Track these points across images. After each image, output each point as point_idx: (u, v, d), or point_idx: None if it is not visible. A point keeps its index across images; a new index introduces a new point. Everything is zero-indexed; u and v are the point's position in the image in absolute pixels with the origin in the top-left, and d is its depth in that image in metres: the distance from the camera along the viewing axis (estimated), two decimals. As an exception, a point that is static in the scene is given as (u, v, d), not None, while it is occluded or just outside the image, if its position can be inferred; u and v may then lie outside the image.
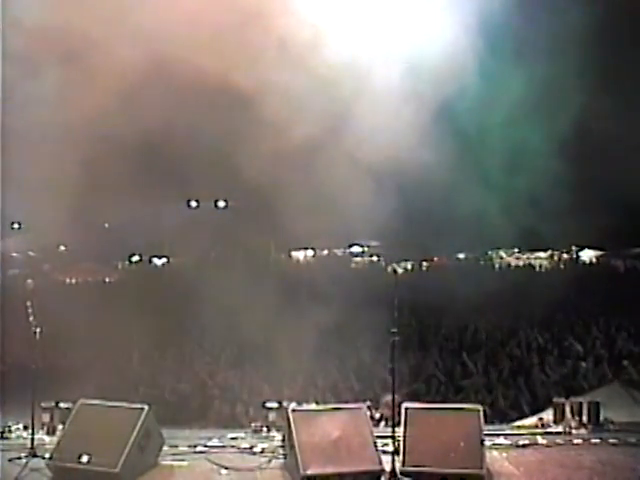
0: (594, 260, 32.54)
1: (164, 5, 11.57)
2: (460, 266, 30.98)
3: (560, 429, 9.10)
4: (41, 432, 8.65)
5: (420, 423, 7.96)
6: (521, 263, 32.83)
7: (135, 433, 7.71)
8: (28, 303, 8.18)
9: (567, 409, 9.28)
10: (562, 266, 31.56)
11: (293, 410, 8.02)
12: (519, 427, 9.54)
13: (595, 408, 9.26)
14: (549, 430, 9.13)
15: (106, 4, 11.50)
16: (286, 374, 14.47)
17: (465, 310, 19.53)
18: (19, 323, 8.40)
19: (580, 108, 14.34)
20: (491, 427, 9.00)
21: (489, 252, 32.53)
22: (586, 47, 13.82)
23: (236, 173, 14.11)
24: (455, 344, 18.13)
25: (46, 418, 8.88)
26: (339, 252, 33.16)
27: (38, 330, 8.08)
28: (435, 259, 32.49)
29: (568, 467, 7.96)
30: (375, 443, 7.82)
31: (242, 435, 8.99)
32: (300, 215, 13.48)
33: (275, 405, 9.13)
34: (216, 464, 8.08)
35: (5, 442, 8.58)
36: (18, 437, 8.72)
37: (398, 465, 7.68)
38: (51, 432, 8.78)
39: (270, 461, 8.17)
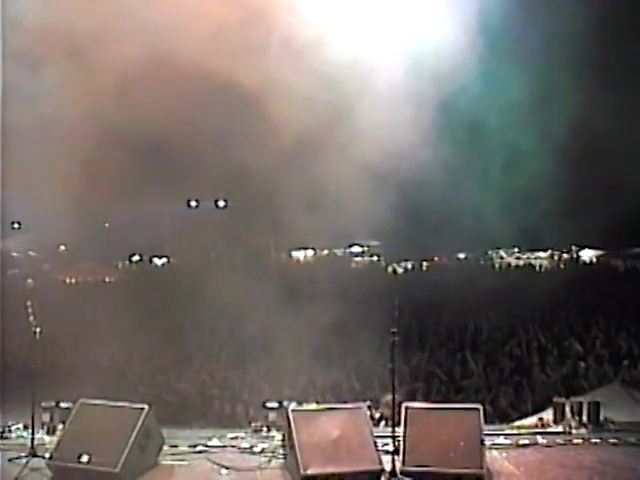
0: (594, 260, 32.56)
1: (166, 2, 11.57)
2: (460, 266, 31.00)
3: (560, 429, 9.09)
4: (41, 432, 8.64)
5: (420, 423, 7.96)
6: (521, 263, 32.86)
7: (135, 433, 7.71)
8: (28, 303, 8.17)
9: (567, 409, 9.27)
10: (562, 266, 31.58)
11: (293, 410, 8.02)
12: (519, 427, 9.54)
13: (595, 408, 9.25)
14: (549, 430, 9.12)
15: (108, 1, 11.49)
16: (286, 374, 14.48)
17: (465, 310, 19.54)
18: (19, 323, 8.39)
19: (580, 107, 14.34)
20: (491, 427, 9.00)
21: (489, 252, 32.56)
22: (586, 45, 13.82)
23: (237, 172, 14.12)
24: (455, 344, 18.13)
25: (46, 418, 8.87)
26: (339, 252, 33.18)
27: (38, 330, 8.07)
28: (435, 259, 32.52)
29: (568, 467, 7.96)
30: (375, 443, 7.82)
31: (242, 435, 8.98)
32: (300, 215, 13.49)
33: (275, 405, 9.12)
34: (216, 464, 8.07)
35: (5, 442, 8.57)
36: (18, 437, 8.71)
37: (398, 465, 7.67)
38: (51, 432, 8.78)
39: (270, 461, 8.17)
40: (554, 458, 8.25)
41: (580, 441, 8.76)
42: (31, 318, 8.10)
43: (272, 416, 9.08)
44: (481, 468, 7.62)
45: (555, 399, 9.64)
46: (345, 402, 9.90)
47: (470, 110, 13.69)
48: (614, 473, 7.84)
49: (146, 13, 11.25)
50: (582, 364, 16.22)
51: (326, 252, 32.42)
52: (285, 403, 8.84)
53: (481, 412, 8.01)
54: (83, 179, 12.26)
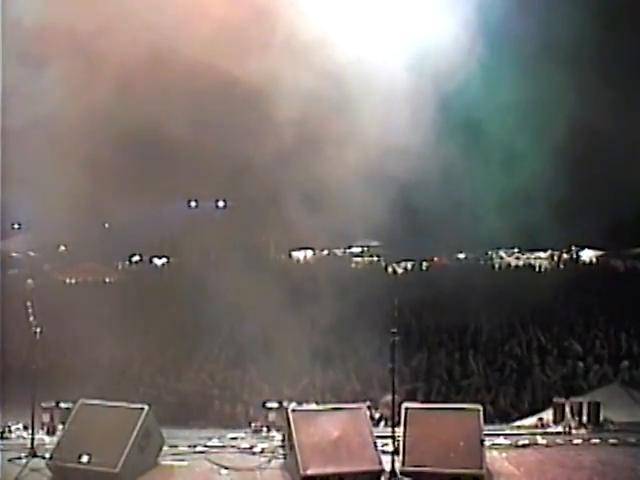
0: (594, 260, 32.55)
1: (168, 1, 11.56)
2: (460, 266, 30.99)
3: (560, 429, 9.10)
4: (41, 432, 8.64)
5: (420, 423, 7.96)
6: (521, 263, 32.84)
7: (135, 433, 7.71)
8: (28, 303, 8.17)
9: (567, 409, 9.28)
10: (562, 266, 31.56)
11: (293, 410, 8.02)
12: (519, 427, 9.55)
13: (595, 408, 9.25)
14: (549, 430, 9.12)
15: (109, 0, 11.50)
16: (286, 374, 14.47)
17: (465, 310, 19.53)
18: (19, 323, 8.39)
19: (580, 107, 14.34)
20: (491, 427, 9.00)
21: (489, 252, 32.55)
22: (586, 44, 13.83)
23: (237, 172, 14.12)
24: (455, 344, 18.12)
25: (46, 418, 8.87)
26: (339, 252, 33.16)
27: (38, 330, 8.08)
28: (435, 259, 32.50)
29: (568, 467, 7.96)
30: (375, 443, 7.82)
31: (242, 435, 8.98)
32: (300, 215, 13.49)
33: (275, 405, 9.12)
34: (216, 464, 8.07)
35: (5, 442, 8.57)
36: (18, 437, 8.71)
37: (398, 465, 7.67)
38: (51, 432, 8.78)
39: (270, 461, 8.17)
40: (554, 458, 8.25)
41: (580, 441, 8.77)
42: (31, 318, 8.10)
43: (272, 416, 9.08)
44: (481, 468, 7.62)
45: (555, 399, 9.65)
46: (345, 402, 9.90)
47: (470, 110, 13.70)
48: (614, 473, 7.84)
49: (148, 12, 11.25)
50: (582, 364, 16.22)
51: (326, 252, 32.40)
52: (285, 403, 8.84)
53: (481, 412, 8.01)
54: (83, 179, 12.25)
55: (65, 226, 15.28)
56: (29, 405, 8.13)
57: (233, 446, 8.63)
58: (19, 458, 7.88)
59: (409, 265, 30.33)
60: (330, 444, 7.69)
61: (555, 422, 9.26)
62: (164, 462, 8.13)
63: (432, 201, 13.94)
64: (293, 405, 8.36)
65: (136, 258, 32.63)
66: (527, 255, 33.25)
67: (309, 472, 7.49)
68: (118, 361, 16.67)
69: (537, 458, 8.29)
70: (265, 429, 9.07)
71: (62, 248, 27.21)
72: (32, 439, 8.04)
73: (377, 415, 10.29)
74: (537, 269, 31.06)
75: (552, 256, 32.60)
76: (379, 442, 7.91)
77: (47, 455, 7.78)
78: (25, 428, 8.72)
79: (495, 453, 8.35)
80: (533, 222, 17.43)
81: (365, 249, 33.95)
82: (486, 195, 14.94)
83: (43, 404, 8.81)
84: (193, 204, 27.73)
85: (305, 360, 14.44)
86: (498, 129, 14.04)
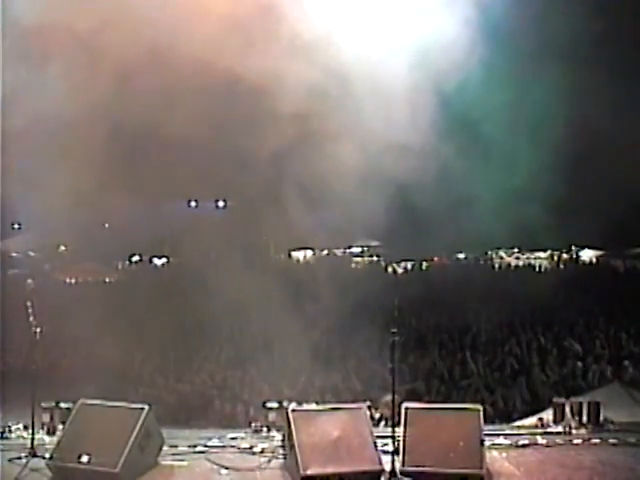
0: (594, 260, 32.56)
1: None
2: (460, 266, 31.01)
3: (560, 429, 9.09)
4: (41, 432, 8.63)
5: (420, 423, 7.95)
6: (521, 263, 32.86)
7: (135, 433, 7.70)
8: (28, 303, 8.17)
9: (567, 409, 9.27)
10: (562, 266, 31.57)
11: (293, 410, 8.01)
12: (519, 427, 9.55)
13: (595, 408, 9.25)
14: (549, 430, 9.12)
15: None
16: (286, 374, 14.47)
17: (465, 310, 19.55)
18: (19, 323, 8.39)
19: (580, 106, 14.34)
20: (491, 427, 9.00)
21: (489, 252, 32.57)
22: (586, 43, 13.83)
23: (237, 172, 14.11)
24: (455, 344, 18.14)
25: (46, 418, 8.86)
26: (339, 252, 33.16)
27: (38, 330, 8.07)
28: (435, 259, 32.51)
29: (568, 467, 7.95)
30: (375, 443, 7.81)
31: (242, 435, 8.97)
32: (300, 215, 13.49)
33: (275, 405, 9.12)
34: (216, 464, 8.07)
35: (5, 442, 8.56)
36: (18, 437, 8.70)
37: (398, 465, 7.67)
38: (51, 432, 8.77)
39: (270, 461, 8.16)
40: (554, 458, 8.25)
41: (580, 441, 8.76)
42: (31, 318, 8.10)
43: (272, 416, 9.08)
44: (481, 468, 7.61)
45: (555, 399, 9.64)
46: (345, 402, 9.90)
47: (470, 109, 13.70)
48: (614, 473, 7.83)
49: (149, 9, 11.23)
50: (582, 364, 16.22)
51: (326, 252, 32.40)
52: (285, 403, 8.84)
53: (481, 412, 8.01)
54: (83, 178, 12.25)
55: (65, 226, 15.26)
56: (29, 405, 8.13)
57: (233, 446, 8.62)
58: (19, 458, 7.87)
59: (409, 265, 30.33)
60: (330, 444, 7.69)
61: (555, 422, 9.25)
62: (164, 462, 8.13)
63: (432, 201, 13.93)
64: (293, 405, 8.35)
65: (136, 258, 32.63)
66: (527, 255, 33.27)
67: (309, 472, 7.48)
68: (118, 361, 16.67)
69: (537, 458, 8.28)
70: (265, 429, 9.07)
71: (62, 248, 27.24)
72: (32, 439, 8.03)
73: (377, 415, 10.29)
74: (537, 269, 31.07)
75: (552, 256, 32.62)
76: (379, 442, 7.90)
77: (47, 455, 7.77)
78: (25, 428, 8.71)
79: (495, 453, 8.35)
80: (533, 222, 17.45)
81: (365, 249, 33.96)
82: (486, 195, 14.93)
83: (43, 404, 8.80)
84: (193, 204, 27.73)
85: (305, 360, 14.44)
86: (498, 129, 14.04)
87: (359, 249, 34.00)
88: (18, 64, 11.24)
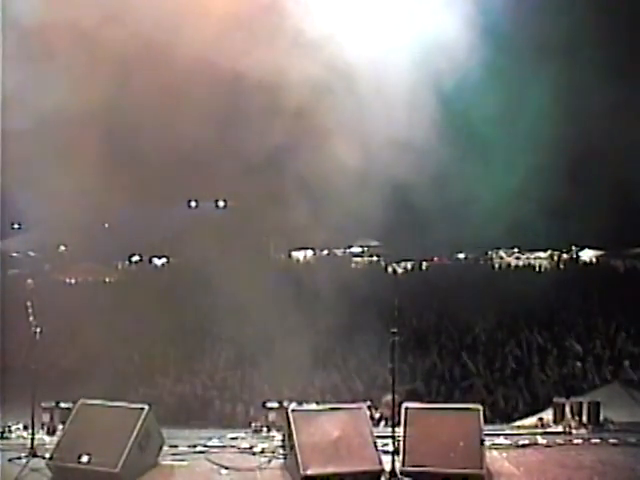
0: (594, 260, 32.53)
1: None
2: (460, 266, 31.00)
3: (560, 429, 9.09)
4: (41, 432, 8.64)
5: (420, 423, 7.95)
6: (521, 263, 32.82)
7: (135, 433, 7.70)
8: (28, 303, 8.17)
9: (567, 409, 9.27)
10: (562, 266, 31.54)
11: (293, 410, 8.01)
12: (519, 427, 9.55)
13: (595, 408, 9.25)
14: (549, 430, 9.12)
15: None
16: (286, 374, 14.47)
17: (465, 310, 19.54)
18: (19, 323, 8.39)
19: (579, 106, 14.34)
20: (491, 427, 8.99)
21: (489, 252, 32.54)
22: (587, 42, 13.82)
23: (237, 172, 14.10)
24: (455, 344, 18.14)
25: (46, 418, 8.86)
26: (339, 252, 33.13)
27: (38, 330, 8.07)
28: (435, 259, 32.49)
29: (568, 467, 7.95)
30: (375, 443, 7.81)
31: (242, 435, 8.98)
32: (300, 215, 13.48)
33: (275, 405, 9.12)
34: (216, 464, 8.07)
35: (5, 442, 8.57)
36: (18, 437, 8.70)
37: (398, 465, 7.67)
38: (51, 432, 8.77)
39: (270, 461, 8.16)
40: (554, 458, 8.25)
41: (580, 441, 8.76)
42: (31, 318, 8.10)
43: (272, 416, 9.08)
44: (481, 468, 7.61)
45: (555, 399, 9.63)
46: (345, 402, 9.90)
47: (470, 109, 13.69)
48: (614, 473, 7.83)
49: (150, 7, 11.23)
50: (582, 364, 16.23)
51: (326, 252, 32.38)
52: (285, 403, 8.83)
53: (481, 412, 8.01)
54: (83, 179, 12.24)
55: (65, 226, 15.26)
56: (29, 405, 8.13)
57: (233, 446, 8.62)
58: (19, 458, 7.87)
59: (409, 265, 30.31)
60: (330, 444, 7.68)
61: (555, 422, 9.25)
62: (164, 462, 8.13)
63: (432, 201, 13.93)
64: (293, 405, 8.35)
65: (136, 258, 32.60)
66: (527, 255, 33.23)
67: (309, 472, 7.48)
68: (118, 361, 16.68)
69: (537, 458, 8.28)
70: (265, 429, 9.07)
71: (62, 248, 27.22)
72: (32, 439, 8.03)
73: (377, 415, 10.29)
74: (537, 269, 31.05)
75: (552, 256, 32.58)
76: (379, 442, 7.90)
77: (47, 455, 7.77)
78: (25, 428, 8.71)
79: (495, 453, 8.35)
80: (533, 222, 17.45)
81: (365, 249, 33.93)
82: (486, 195, 14.93)
83: (43, 404, 8.80)
84: (193, 204, 27.70)
85: (305, 360, 14.44)
86: (498, 128, 14.03)
87: (359, 249, 33.97)
88: (18, 64, 11.23)
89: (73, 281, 27.59)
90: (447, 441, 7.76)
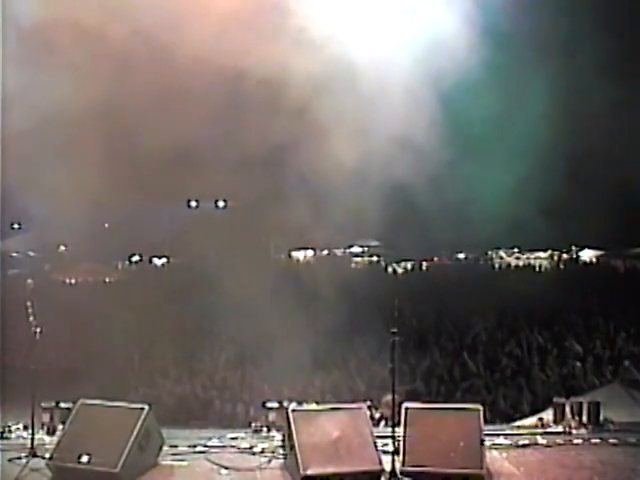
0: (594, 260, 32.51)
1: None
2: (460, 266, 30.99)
3: (560, 429, 9.10)
4: (41, 432, 8.64)
5: (420, 423, 7.95)
6: (521, 263, 32.81)
7: (135, 433, 7.70)
8: (28, 303, 8.17)
9: (567, 409, 9.27)
10: (562, 266, 31.53)
11: (293, 410, 8.01)
12: (519, 427, 9.55)
13: (595, 408, 9.25)
14: (549, 430, 9.12)
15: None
16: (286, 374, 14.47)
17: (465, 310, 19.54)
18: (19, 323, 8.39)
19: (579, 105, 14.33)
20: (491, 427, 8.99)
21: (489, 252, 32.52)
22: (587, 42, 13.81)
23: (237, 172, 14.10)
24: (455, 344, 18.14)
25: (46, 418, 8.86)
26: (339, 252, 33.12)
27: (38, 330, 8.07)
28: (435, 259, 32.47)
29: (568, 467, 7.95)
30: (375, 443, 7.81)
31: (242, 435, 8.98)
32: (300, 215, 13.48)
33: (275, 405, 9.12)
34: (216, 464, 8.07)
35: (5, 442, 8.57)
36: (18, 437, 8.70)
37: (398, 465, 7.67)
38: (51, 432, 8.77)
39: (270, 461, 8.16)
40: (554, 458, 8.25)
41: (580, 441, 8.76)
42: (31, 318, 8.10)
43: (272, 416, 9.08)
44: (481, 468, 7.61)
45: (555, 399, 9.64)
46: (345, 402, 9.90)
47: (470, 109, 13.68)
48: (614, 473, 7.83)
49: (151, 6, 11.22)
50: (581, 364, 16.23)
51: (326, 252, 32.36)
52: (285, 403, 8.83)
53: (481, 412, 8.01)
54: (83, 179, 12.24)
55: (65, 226, 15.26)
56: (29, 405, 8.13)
57: (233, 446, 8.62)
58: (19, 458, 7.87)
59: (409, 265, 30.30)
60: (330, 444, 7.68)
61: (555, 422, 9.25)
62: (164, 462, 8.13)
63: (432, 201, 13.93)
64: (293, 405, 8.35)
65: (136, 258, 32.57)
66: (527, 255, 33.20)
67: (309, 472, 7.48)
68: (118, 361, 16.69)
69: (537, 458, 8.29)
70: (265, 429, 9.07)
71: (62, 248, 27.21)
72: (32, 439, 8.03)
73: (377, 415, 10.29)
74: (537, 269, 31.03)
75: (552, 256, 32.55)
76: (379, 442, 7.90)
77: (47, 455, 7.77)
78: (25, 428, 8.71)
79: (495, 453, 8.35)
80: (533, 222, 17.43)
81: (365, 249, 33.91)
82: (486, 194, 14.93)
83: (43, 404, 8.80)
84: (193, 204, 27.69)
85: (305, 360, 14.44)
86: (498, 127, 14.03)
87: (359, 249, 33.94)
88: (18, 63, 11.22)
89: (73, 281, 27.59)
90: (447, 441, 7.76)
